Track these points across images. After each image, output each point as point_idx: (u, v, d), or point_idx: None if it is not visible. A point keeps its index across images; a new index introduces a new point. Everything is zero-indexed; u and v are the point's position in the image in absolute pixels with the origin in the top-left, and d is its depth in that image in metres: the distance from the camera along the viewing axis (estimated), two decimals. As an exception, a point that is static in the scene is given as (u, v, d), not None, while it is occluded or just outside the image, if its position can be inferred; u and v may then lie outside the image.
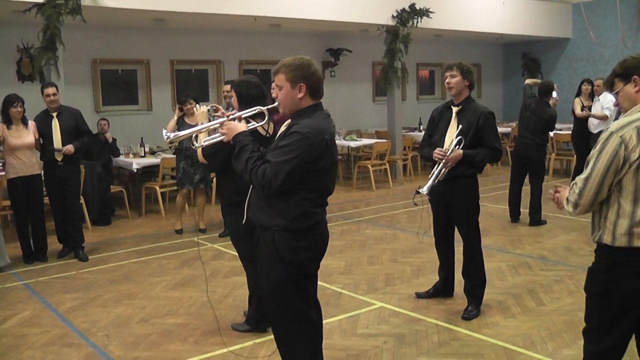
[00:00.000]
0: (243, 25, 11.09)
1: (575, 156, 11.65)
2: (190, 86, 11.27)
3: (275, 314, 3.36)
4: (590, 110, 9.72)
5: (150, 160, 9.13)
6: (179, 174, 7.71)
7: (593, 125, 9.65)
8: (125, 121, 10.44)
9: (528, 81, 8.61)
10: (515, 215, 8.29)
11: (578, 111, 9.73)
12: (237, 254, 4.83)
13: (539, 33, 14.28)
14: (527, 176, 8.26)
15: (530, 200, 8.12)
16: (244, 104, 4.30)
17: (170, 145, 3.44)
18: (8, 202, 7.12)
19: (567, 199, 2.95)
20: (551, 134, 9.62)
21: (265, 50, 12.22)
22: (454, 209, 5.05)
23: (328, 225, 3.41)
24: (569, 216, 8.32)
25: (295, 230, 3.17)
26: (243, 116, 3.44)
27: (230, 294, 5.70)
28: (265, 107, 3.51)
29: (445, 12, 12.10)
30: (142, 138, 9.58)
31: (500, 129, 13.46)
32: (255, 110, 3.52)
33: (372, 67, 13.92)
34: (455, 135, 4.87)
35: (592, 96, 9.94)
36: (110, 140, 9.15)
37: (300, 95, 3.16)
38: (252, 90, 4.47)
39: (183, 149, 7.65)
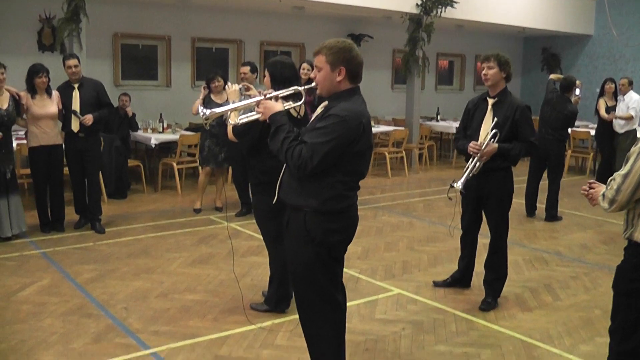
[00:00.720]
0: (266, 6, 11.05)
1: (591, 154, 11.64)
2: (211, 65, 11.24)
3: (302, 295, 3.37)
4: (614, 110, 9.64)
5: (169, 136, 9.12)
6: (204, 152, 7.71)
7: (619, 125, 9.57)
8: (143, 96, 10.41)
9: (552, 76, 8.55)
10: (531, 210, 8.26)
11: (603, 112, 9.65)
12: (258, 233, 4.92)
13: (560, 28, 14.16)
14: (545, 172, 8.24)
15: (547, 196, 8.09)
16: (277, 84, 4.31)
17: (205, 121, 3.35)
18: (28, 171, 7.14)
19: (604, 195, 2.92)
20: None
21: (286, 32, 12.18)
22: (487, 202, 5.03)
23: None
24: (585, 214, 8.40)
25: (327, 212, 3.17)
26: (280, 96, 3.43)
27: (248, 273, 5.71)
28: (302, 88, 3.46)
29: (469, 2, 12.00)
30: (161, 114, 9.57)
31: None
32: (291, 90, 3.48)
33: (393, 54, 13.86)
34: (490, 129, 4.83)
35: (615, 95, 9.86)
36: (130, 114, 9.15)
37: (339, 79, 3.15)
38: (286, 71, 4.45)
39: (209, 127, 7.63)
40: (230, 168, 8.38)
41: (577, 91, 8.19)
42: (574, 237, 7.35)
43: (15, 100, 6.29)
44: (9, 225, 6.30)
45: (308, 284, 3.29)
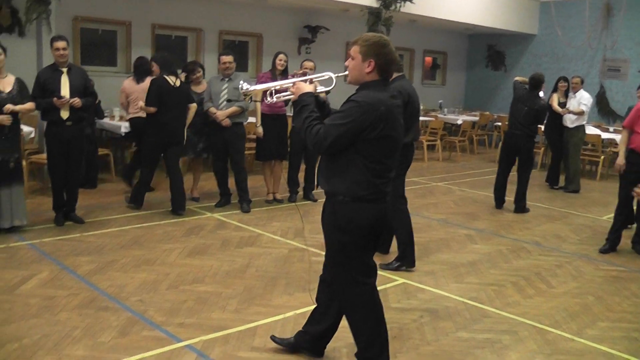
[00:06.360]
0: (229, -5, 10.95)
1: (542, 149, 12.15)
2: (170, 53, 10.98)
3: (333, 275, 3.58)
4: (565, 107, 10.13)
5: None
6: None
7: (570, 120, 10.06)
8: (103, 83, 10.02)
9: (517, 78, 8.88)
10: (500, 203, 8.58)
11: (556, 105, 10.12)
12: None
13: (506, 27, 14.68)
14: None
15: (517, 189, 8.42)
16: (165, 70, 7.02)
17: (244, 97, 3.72)
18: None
19: None
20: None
21: (245, 22, 12.07)
22: None
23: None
24: (548, 205, 8.81)
25: (353, 199, 3.32)
26: (314, 80, 3.63)
27: (250, 264, 5.68)
28: (335, 75, 3.60)
29: (424, -2, 12.30)
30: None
31: (465, 117, 13.85)
32: (324, 75, 3.65)
33: (346, 47, 13.96)
34: None
35: (566, 93, 10.37)
36: (97, 101, 8.81)
37: (368, 70, 3.31)
38: (168, 59, 7.25)
39: (187, 117, 7.53)
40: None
41: (541, 94, 8.55)
42: (545, 228, 7.69)
43: (21, 84, 5.95)
44: (9, 217, 5.97)
45: (337, 265, 3.49)
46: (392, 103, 3.33)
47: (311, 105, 3.37)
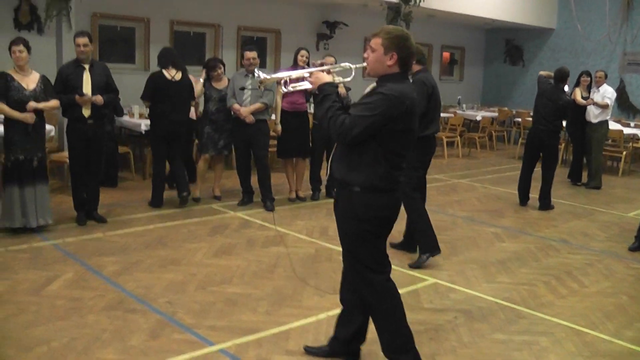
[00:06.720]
0: (245, -10, 10.84)
1: (563, 145, 11.97)
2: (189, 49, 10.94)
3: (350, 266, 3.56)
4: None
5: (159, 123, 8.78)
6: (203, 138, 7.48)
7: (593, 115, 9.92)
8: (121, 80, 9.92)
9: (542, 73, 8.76)
10: (524, 200, 8.44)
11: (579, 99, 9.96)
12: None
13: (525, 21, 14.51)
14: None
15: (541, 186, 8.27)
16: (162, 63, 7.08)
17: (259, 85, 3.68)
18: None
19: None
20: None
21: (263, 18, 11.97)
22: None
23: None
24: (571, 202, 8.67)
25: (371, 189, 3.32)
26: (331, 70, 3.63)
27: (278, 263, 5.59)
28: (354, 66, 3.61)
29: (443, -7, 12.17)
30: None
31: (485, 113, 13.70)
32: (344, 66, 3.66)
33: (364, 43, 13.83)
34: None
35: (589, 88, 10.22)
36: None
37: (390, 63, 3.31)
38: (168, 53, 7.21)
39: (209, 114, 7.43)
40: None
41: (566, 88, 8.42)
42: (572, 225, 7.56)
43: (45, 82, 5.88)
44: (34, 216, 5.91)
45: (353, 255, 3.47)
46: (414, 97, 3.34)
47: (333, 95, 3.35)
